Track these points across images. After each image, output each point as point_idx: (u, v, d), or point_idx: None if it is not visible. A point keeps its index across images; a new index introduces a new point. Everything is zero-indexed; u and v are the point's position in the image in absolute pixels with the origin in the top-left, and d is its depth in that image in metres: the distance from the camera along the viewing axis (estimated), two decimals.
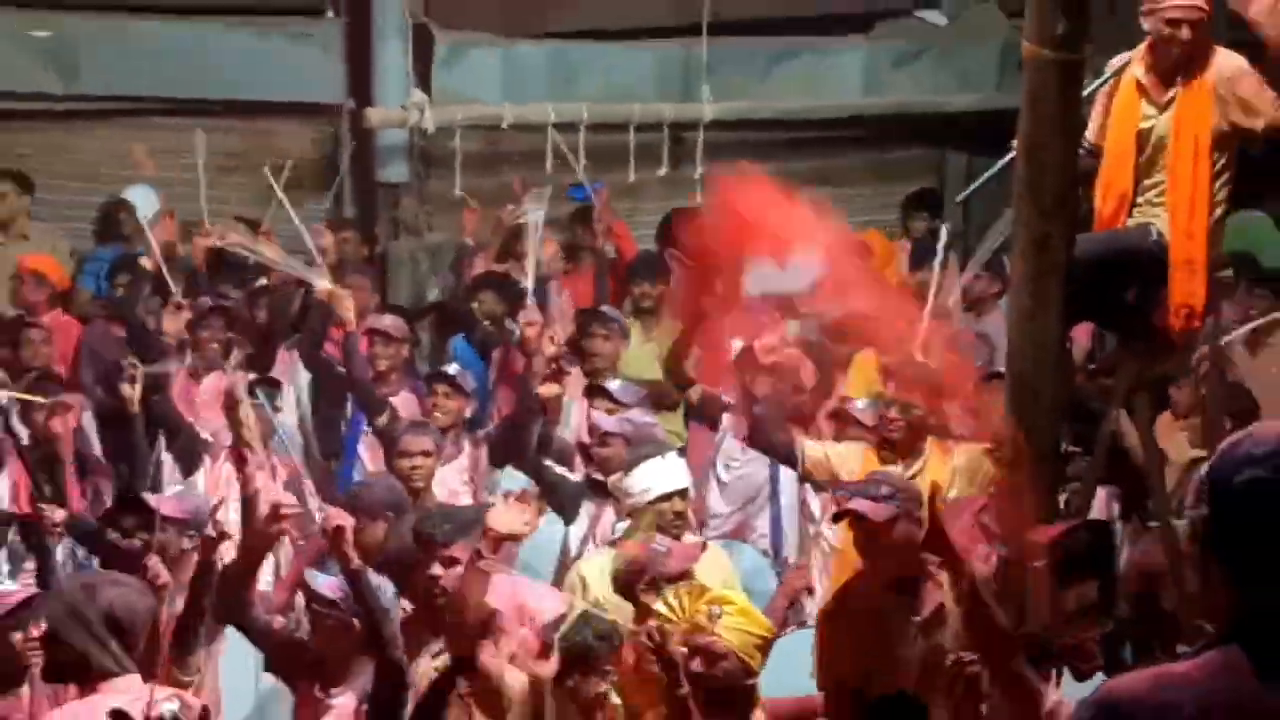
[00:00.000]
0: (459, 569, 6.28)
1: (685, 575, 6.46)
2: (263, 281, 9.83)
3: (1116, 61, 6.60)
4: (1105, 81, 6.55)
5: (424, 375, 9.15)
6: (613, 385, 8.50)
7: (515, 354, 9.29)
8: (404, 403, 8.78)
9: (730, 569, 7.30)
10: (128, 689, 5.69)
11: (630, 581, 6.44)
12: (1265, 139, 6.49)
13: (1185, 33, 6.37)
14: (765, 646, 5.88)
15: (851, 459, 7.44)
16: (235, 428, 6.60)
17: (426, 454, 7.82)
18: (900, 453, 7.45)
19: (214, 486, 8.07)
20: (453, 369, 8.88)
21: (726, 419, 8.42)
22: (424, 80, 11.72)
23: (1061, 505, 6.44)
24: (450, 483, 8.01)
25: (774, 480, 8.40)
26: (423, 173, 11.89)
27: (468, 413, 8.65)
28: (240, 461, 6.58)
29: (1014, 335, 6.30)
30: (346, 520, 6.17)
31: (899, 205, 11.78)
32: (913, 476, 7.16)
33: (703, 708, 5.72)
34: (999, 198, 6.71)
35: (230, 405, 6.63)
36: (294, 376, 9.36)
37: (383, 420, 8.47)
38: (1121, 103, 6.56)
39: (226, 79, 11.40)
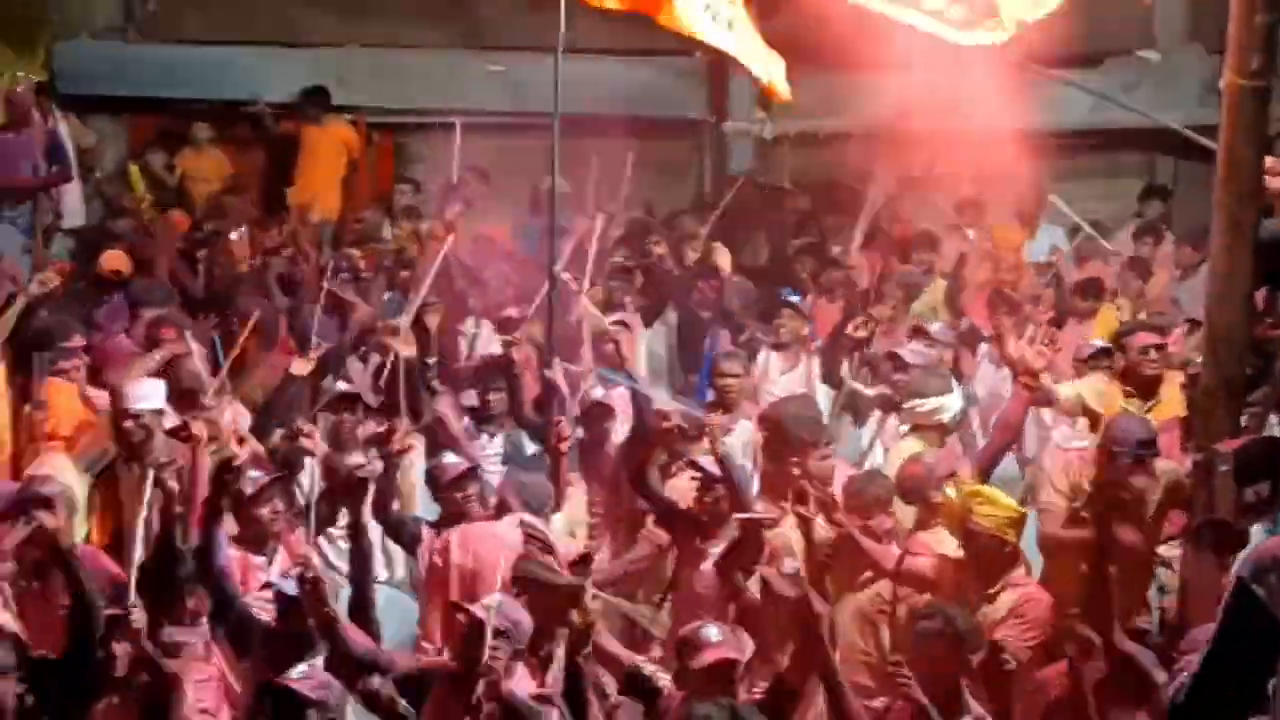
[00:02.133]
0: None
1: (953, 475, 6.43)
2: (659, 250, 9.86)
3: None
4: None
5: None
6: (933, 328, 8.35)
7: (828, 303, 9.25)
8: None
9: None
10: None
11: (914, 488, 6.40)
12: None
13: None
14: (1016, 523, 5.86)
15: (1096, 390, 7.17)
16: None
17: (736, 376, 7.74)
18: (1141, 391, 7.15)
19: None
20: (795, 299, 8.73)
21: (984, 347, 8.31)
22: (764, 101, 11.75)
23: (1242, 423, 6.23)
24: (794, 388, 7.92)
25: None
26: (761, 169, 11.94)
27: (805, 331, 8.46)
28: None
29: (1211, 292, 6.17)
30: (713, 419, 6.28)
31: (1122, 196, 11.43)
32: (1148, 410, 6.97)
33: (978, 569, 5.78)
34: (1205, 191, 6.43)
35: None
36: (665, 316, 9.45)
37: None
38: None
39: (627, 101, 11.50)
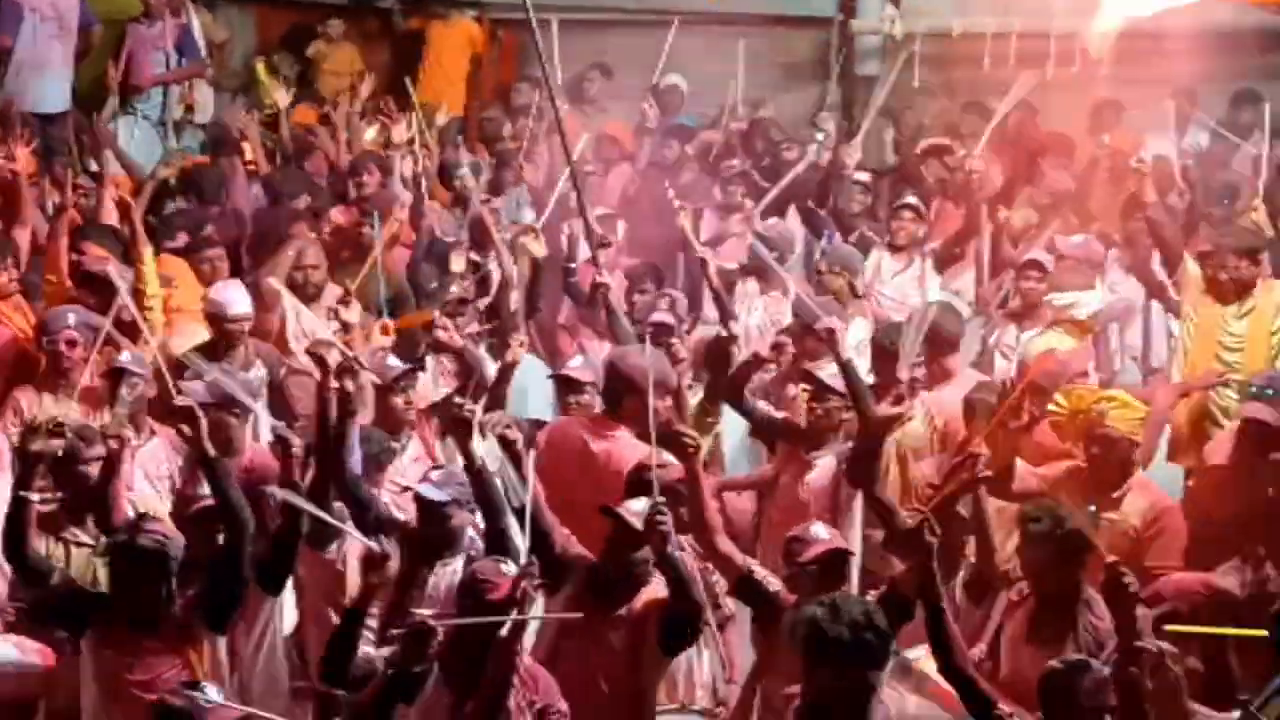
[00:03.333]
0: None
1: (1084, 374, 6.37)
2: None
3: None
4: None
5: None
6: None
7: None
8: None
9: None
10: None
11: (1047, 385, 6.23)
12: None
13: None
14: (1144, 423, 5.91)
15: None
16: None
17: (833, 273, 7.68)
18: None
19: None
20: (913, 200, 8.62)
21: (1112, 252, 8.16)
22: None
23: None
24: (905, 288, 7.90)
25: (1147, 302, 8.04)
26: (889, 68, 11.68)
27: (921, 234, 8.40)
28: None
29: None
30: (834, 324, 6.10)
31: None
32: (1245, 314, 6.88)
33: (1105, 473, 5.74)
34: None
35: None
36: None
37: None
38: None
39: None
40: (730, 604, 5.51)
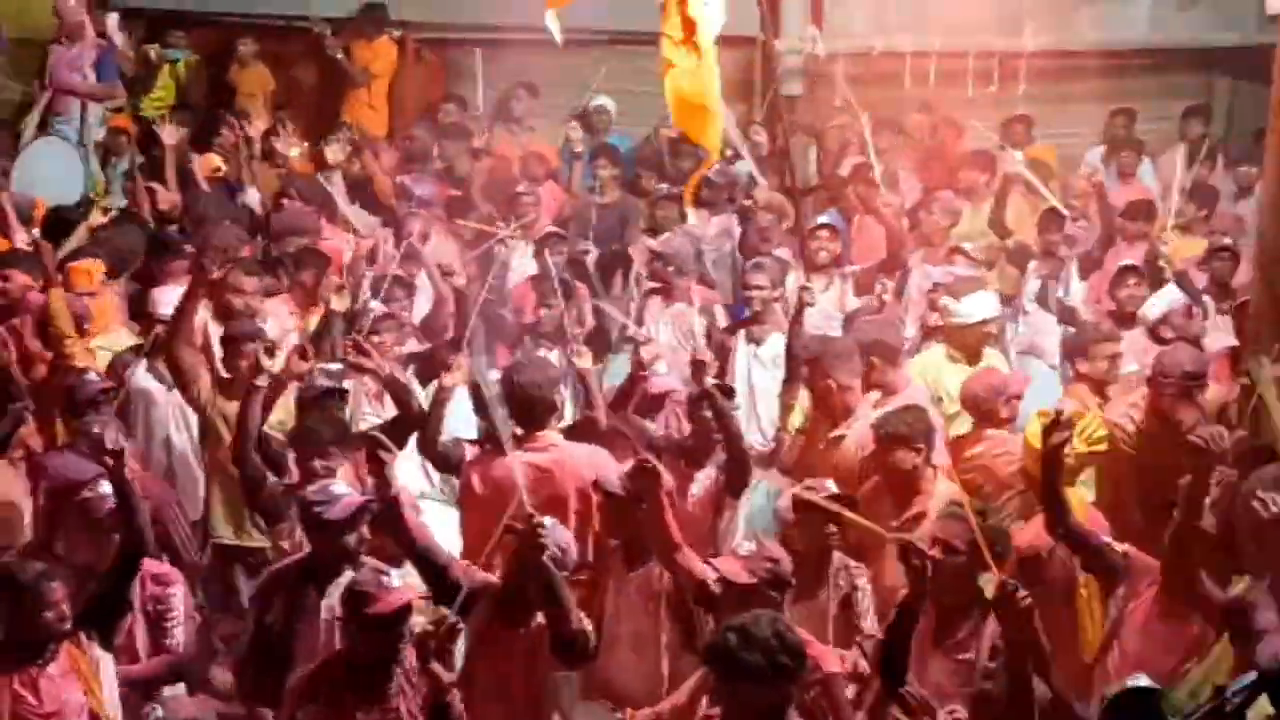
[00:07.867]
0: None
1: (1020, 396, 6.38)
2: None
3: None
4: None
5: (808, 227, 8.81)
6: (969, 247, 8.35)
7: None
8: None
9: None
10: None
11: (987, 399, 6.34)
12: None
13: None
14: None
15: None
16: None
17: (761, 287, 7.63)
18: None
19: None
20: (825, 218, 8.61)
21: (1033, 264, 8.19)
22: (817, 17, 11.54)
23: None
24: (825, 308, 7.85)
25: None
26: (812, 87, 11.72)
27: (839, 252, 8.41)
28: None
29: (1264, 210, 6.08)
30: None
31: (1176, 117, 11.11)
32: None
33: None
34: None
35: None
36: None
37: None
38: None
39: None
40: None
